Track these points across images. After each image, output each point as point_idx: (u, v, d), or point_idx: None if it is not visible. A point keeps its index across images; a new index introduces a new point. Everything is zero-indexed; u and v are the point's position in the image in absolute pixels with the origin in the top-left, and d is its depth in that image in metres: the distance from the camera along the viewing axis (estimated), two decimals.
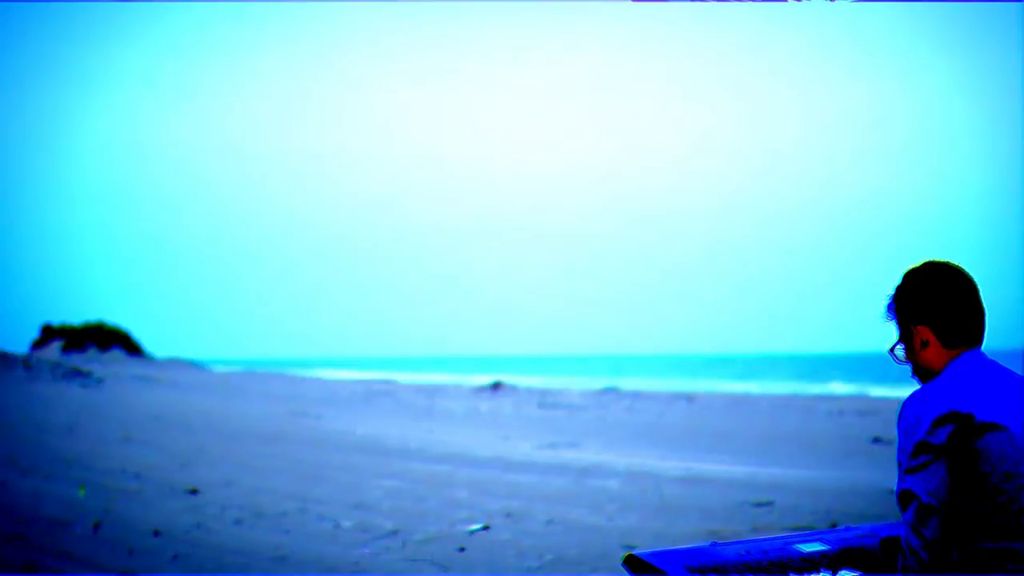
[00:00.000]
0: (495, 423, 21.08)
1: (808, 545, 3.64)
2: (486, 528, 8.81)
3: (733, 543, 3.60)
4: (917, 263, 3.42)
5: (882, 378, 49.94)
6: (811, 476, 12.38)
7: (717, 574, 3.40)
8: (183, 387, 32.44)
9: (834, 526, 8.28)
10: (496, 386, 34.76)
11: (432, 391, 34.59)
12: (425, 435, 17.85)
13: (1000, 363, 3.36)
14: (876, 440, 16.40)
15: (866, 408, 24.86)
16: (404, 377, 52.34)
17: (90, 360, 50.28)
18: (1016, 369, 3.49)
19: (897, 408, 3.32)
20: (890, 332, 3.46)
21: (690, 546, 3.57)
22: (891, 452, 13.73)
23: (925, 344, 3.36)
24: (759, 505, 10.00)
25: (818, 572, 3.43)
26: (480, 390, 33.81)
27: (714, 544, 3.57)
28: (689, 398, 30.45)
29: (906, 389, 4.14)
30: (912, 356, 3.40)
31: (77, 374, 28.94)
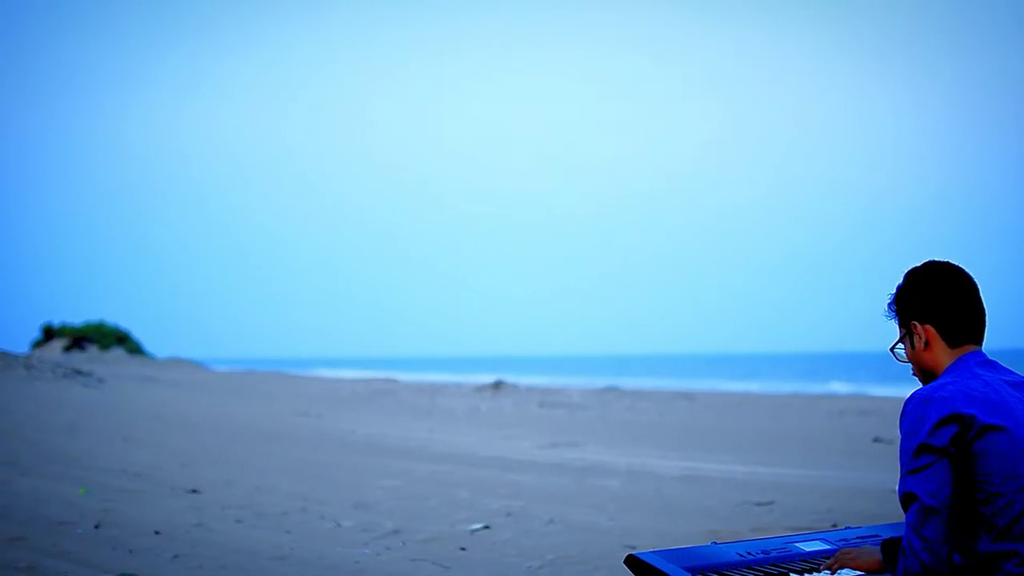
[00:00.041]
0: (496, 422, 21.08)
1: (809, 545, 3.64)
2: (487, 528, 8.82)
3: (734, 543, 3.60)
4: (918, 263, 3.43)
5: (882, 378, 49.94)
6: (812, 476, 12.38)
7: (717, 574, 3.40)
8: (184, 387, 32.44)
9: (835, 527, 8.29)
10: (497, 385, 34.75)
11: (433, 390, 34.58)
12: (426, 434, 17.85)
13: (1000, 363, 3.37)
14: (877, 440, 16.40)
15: (866, 408, 24.85)
16: (405, 376, 52.33)
17: (91, 360, 50.29)
18: (1016, 369, 3.50)
19: (898, 408, 3.32)
20: (891, 331, 3.46)
21: (690, 546, 3.57)
22: (892, 452, 13.73)
23: (926, 343, 3.36)
24: (760, 505, 10.00)
25: (819, 572, 3.43)
26: (481, 389, 33.80)
27: (715, 544, 3.58)
28: (690, 398, 30.44)
29: (907, 389, 4.14)
30: (913, 355, 3.40)
31: (78, 374, 28.93)
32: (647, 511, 9.79)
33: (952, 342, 3.34)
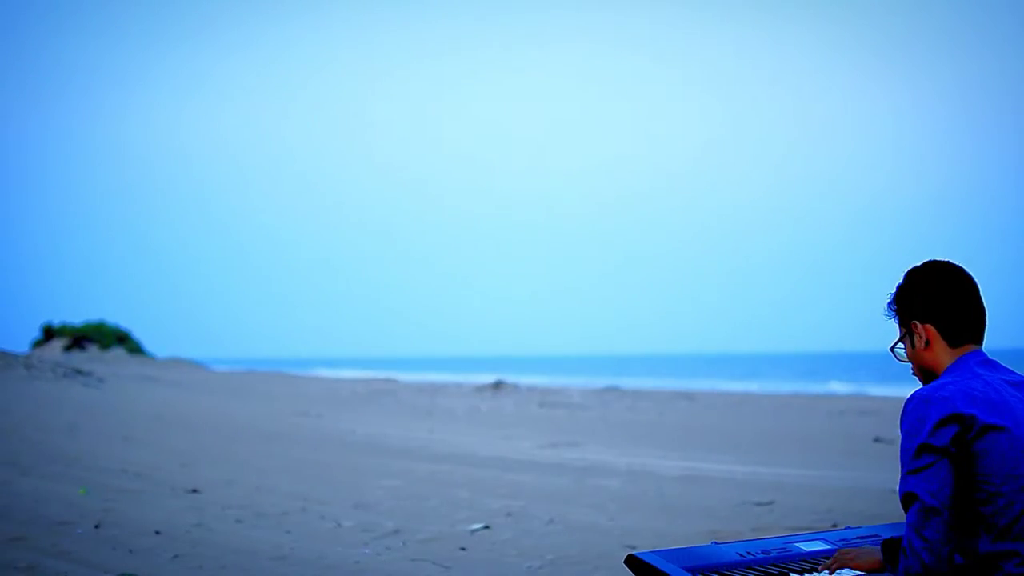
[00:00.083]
0: (496, 422, 21.07)
1: (809, 545, 3.64)
2: (487, 528, 8.81)
3: (734, 543, 3.60)
4: (918, 262, 3.43)
5: (882, 378, 49.93)
6: (812, 476, 12.38)
7: (718, 574, 3.40)
8: (184, 387, 32.44)
9: (835, 527, 8.28)
10: (497, 385, 34.75)
11: (433, 390, 34.59)
12: (426, 434, 17.85)
13: (1000, 363, 3.36)
14: (877, 440, 16.39)
15: (866, 408, 24.85)
16: (405, 376, 52.33)
17: (91, 360, 50.29)
18: (1016, 369, 3.49)
19: (898, 408, 3.32)
20: (891, 331, 3.46)
21: (691, 546, 3.57)
22: (892, 452, 13.74)
23: (926, 343, 3.36)
24: (760, 505, 9.99)
25: (819, 572, 3.43)
26: (481, 389, 33.80)
27: (715, 544, 3.57)
28: (690, 398, 30.44)
29: (907, 389, 4.14)
30: (913, 355, 3.40)
31: (78, 374, 28.93)
32: (647, 511, 9.79)
33: (952, 342, 3.34)
